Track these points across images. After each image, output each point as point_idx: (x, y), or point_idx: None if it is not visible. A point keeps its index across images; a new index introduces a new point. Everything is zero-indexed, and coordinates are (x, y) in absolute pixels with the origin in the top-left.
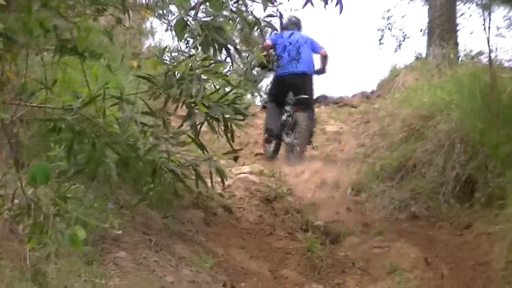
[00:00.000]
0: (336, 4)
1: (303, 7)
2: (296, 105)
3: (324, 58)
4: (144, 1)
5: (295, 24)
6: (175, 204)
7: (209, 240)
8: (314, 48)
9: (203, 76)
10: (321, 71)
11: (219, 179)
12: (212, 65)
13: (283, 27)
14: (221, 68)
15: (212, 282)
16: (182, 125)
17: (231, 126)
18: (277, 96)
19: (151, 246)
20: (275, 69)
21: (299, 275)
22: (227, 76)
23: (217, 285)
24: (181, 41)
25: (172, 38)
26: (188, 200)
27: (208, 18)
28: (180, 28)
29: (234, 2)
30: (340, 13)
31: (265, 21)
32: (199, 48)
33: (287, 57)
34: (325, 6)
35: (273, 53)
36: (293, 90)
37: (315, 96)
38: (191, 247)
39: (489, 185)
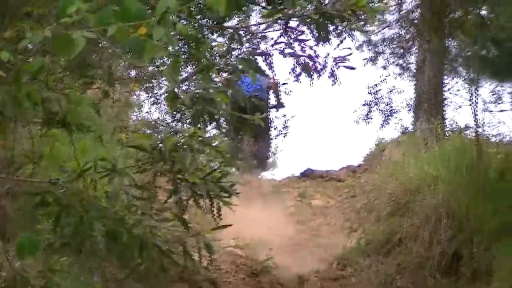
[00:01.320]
0: (330, 76)
1: (289, 73)
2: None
3: (275, 88)
4: (132, 74)
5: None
6: (161, 278)
7: None
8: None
9: (197, 147)
10: (277, 104)
11: (206, 253)
12: (202, 138)
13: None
14: (214, 141)
15: None
16: (166, 201)
17: (217, 203)
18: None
19: None
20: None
21: None
22: (220, 148)
23: None
24: (172, 111)
25: (160, 112)
26: (173, 273)
27: (199, 90)
28: (171, 99)
29: (226, 73)
30: (333, 85)
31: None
32: (189, 121)
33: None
34: (318, 77)
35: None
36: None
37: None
38: None
39: (475, 260)
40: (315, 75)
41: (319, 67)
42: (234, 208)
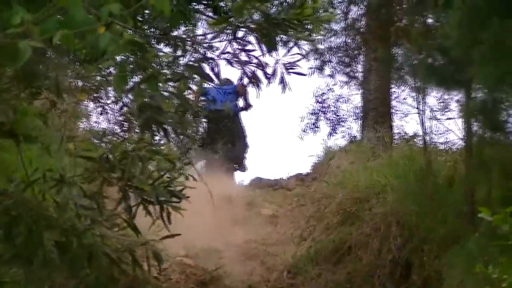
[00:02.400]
0: (280, 83)
1: (237, 82)
2: None
3: (243, 91)
4: (79, 84)
5: (225, 82)
6: None
7: None
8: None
9: (145, 155)
10: (246, 106)
11: (155, 262)
12: (151, 146)
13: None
14: (163, 148)
15: None
16: (116, 208)
17: (167, 209)
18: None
19: None
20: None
21: None
22: (171, 157)
23: None
24: (121, 93)
25: (108, 121)
26: (123, 283)
27: (146, 99)
28: (121, 80)
29: (174, 82)
30: (283, 92)
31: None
32: (137, 130)
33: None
34: (268, 85)
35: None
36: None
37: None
38: None
39: (425, 267)
40: (264, 83)
41: (269, 73)
42: (183, 217)
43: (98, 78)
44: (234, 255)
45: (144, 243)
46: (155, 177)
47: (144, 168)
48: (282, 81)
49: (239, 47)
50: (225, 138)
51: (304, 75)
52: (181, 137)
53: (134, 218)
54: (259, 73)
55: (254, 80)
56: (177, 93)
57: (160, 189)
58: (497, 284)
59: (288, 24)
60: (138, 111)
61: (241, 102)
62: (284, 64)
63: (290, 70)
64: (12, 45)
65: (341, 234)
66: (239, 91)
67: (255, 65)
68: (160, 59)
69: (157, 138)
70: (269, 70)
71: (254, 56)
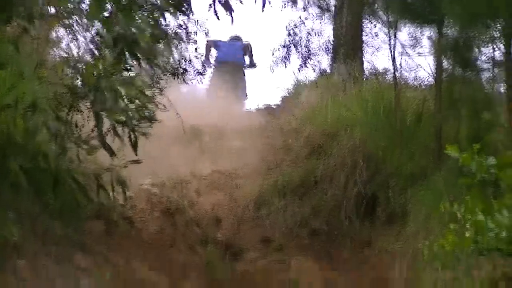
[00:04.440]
0: None
1: (208, 9)
2: None
3: (249, 51)
4: (52, 11)
5: (236, 38)
6: (77, 214)
7: (110, 251)
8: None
9: (116, 84)
10: (251, 64)
11: (121, 190)
12: (125, 74)
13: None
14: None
15: None
16: (92, 131)
17: (134, 133)
18: None
19: (51, 256)
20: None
21: None
22: (142, 88)
23: None
24: (96, 21)
25: (79, 48)
26: (89, 210)
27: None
28: (97, 8)
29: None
30: (263, 10)
31: (173, 32)
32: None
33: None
34: (232, 20)
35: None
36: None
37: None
38: (92, 258)
39: (390, 203)
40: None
41: None
42: (151, 145)
43: (71, 5)
44: (201, 186)
45: (109, 169)
46: (125, 103)
47: (117, 102)
48: None
49: None
50: (228, 85)
51: None
52: (153, 66)
53: (105, 141)
54: None
55: (227, 7)
56: (151, 23)
57: (133, 111)
58: (461, 222)
59: None
60: (113, 41)
61: (247, 59)
62: None
63: None
64: None
65: (308, 167)
66: (246, 49)
67: None
68: None
69: (128, 66)
70: None
71: None
